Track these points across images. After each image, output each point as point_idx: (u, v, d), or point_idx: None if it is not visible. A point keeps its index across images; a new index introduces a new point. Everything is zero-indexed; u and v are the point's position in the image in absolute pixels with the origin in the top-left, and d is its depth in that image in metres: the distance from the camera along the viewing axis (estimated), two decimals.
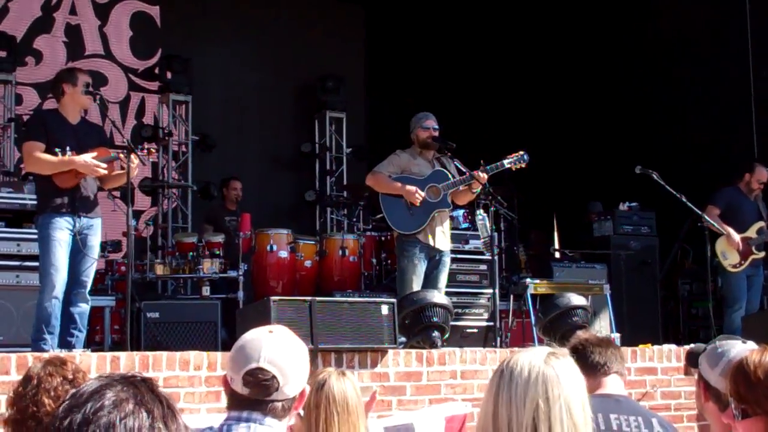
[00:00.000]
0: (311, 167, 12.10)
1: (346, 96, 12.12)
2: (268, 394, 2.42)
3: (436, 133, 7.15)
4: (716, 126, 11.04)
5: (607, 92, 12.58)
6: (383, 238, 9.20)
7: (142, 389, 1.56)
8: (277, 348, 2.46)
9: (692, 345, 3.32)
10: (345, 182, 11.86)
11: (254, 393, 2.42)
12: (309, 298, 5.74)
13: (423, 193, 6.86)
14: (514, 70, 12.84)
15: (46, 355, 3.97)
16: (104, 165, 5.94)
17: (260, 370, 2.42)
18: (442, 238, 7.01)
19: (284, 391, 2.44)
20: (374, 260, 9.12)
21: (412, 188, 6.86)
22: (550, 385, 1.99)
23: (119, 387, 1.54)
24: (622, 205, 9.99)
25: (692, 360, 2.94)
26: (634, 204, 10.01)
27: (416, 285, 6.79)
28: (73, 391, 1.58)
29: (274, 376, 2.42)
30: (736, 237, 8.25)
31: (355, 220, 9.85)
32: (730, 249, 8.31)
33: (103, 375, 1.61)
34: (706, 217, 8.00)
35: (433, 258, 6.96)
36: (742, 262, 8.31)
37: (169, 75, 11.05)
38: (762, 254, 8.44)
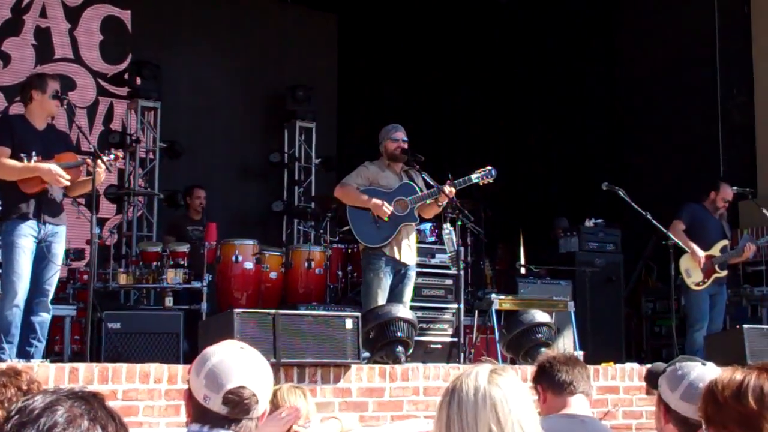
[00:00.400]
0: (279, 177, 12.05)
1: (316, 106, 12.10)
2: (247, 412, 2.40)
3: (405, 146, 7.15)
4: (683, 145, 11.15)
5: (575, 109, 12.69)
6: (350, 251, 9.17)
7: (95, 405, 1.53)
8: (256, 366, 2.45)
9: (651, 365, 3.32)
10: (313, 193, 11.82)
11: (234, 412, 2.39)
12: (272, 310, 5.70)
13: (390, 208, 6.86)
14: (486, 83, 12.91)
15: (2, 365, 3.90)
16: (67, 177, 5.88)
17: (243, 389, 2.39)
18: (408, 251, 7.01)
19: (258, 409, 2.42)
20: (340, 273, 9.08)
21: (380, 202, 6.86)
22: (500, 406, 1.98)
23: (71, 402, 1.51)
24: (588, 221, 10.03)
25: (652, 380, 2.94)
26: (599, 220, 10.06)
27: (381, 299, 6.78)
28: (20, 405, 1.53)
29: (254, 394, 2.40)
30: (701, 253, 8.29)
31: (322, 231, 9.82)
32: (694, 266, 8.35)
33: (49, 390, 1.57)
34: (671, 234, 8.04)
35: (399, 272, 6.95)
36: (705, 280, 8.36)
37: (138, 81, 10.97)
38: (725, 273, 8.49)
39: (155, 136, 11.01)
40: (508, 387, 2.02)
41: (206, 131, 11.67)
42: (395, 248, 6.92)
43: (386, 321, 6.24)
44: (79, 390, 1.56)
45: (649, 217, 7.89)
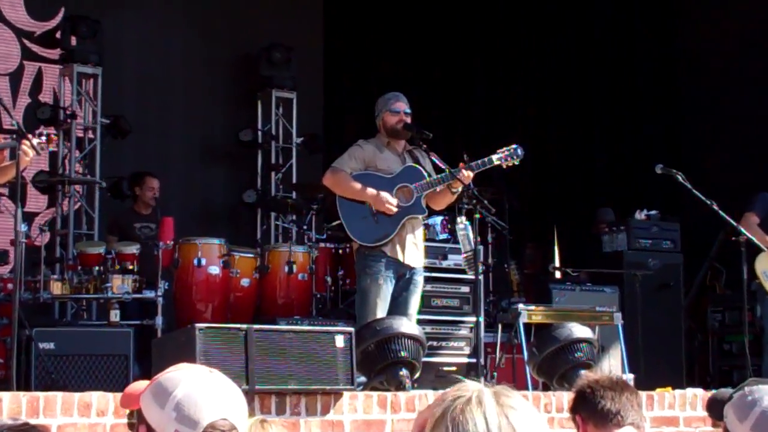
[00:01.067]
0: (252, 160, 12.05)
1: (297, 71, 12.08)
2: None
3: (408, 119, 7.16)
4: (755, 124, 11.17)
5: (623, 78, 12.72)
6: (341, 251, 9.18)
7: None
8: (231, 393, 2.51)
9: (716, 391, 3.35)
10: (294, 180, 11.82)
11: None
12: (245, 325, 5.73)
13: (395, 201, 6.87)
14: (509, 45, 12.90)
15: None
16: None
17: (224, 422, 2.45)
18: (413, 251, 7.02)
19: None
20: (329, 279, 9.10)
21: (383, 195, 6.84)
22: None
23: None
24: (638, 213, 10.05)
25: (715, 410, 2.96)
26: (653, 212, 10.09)
27: (381, 310, 6.79)
28: None
29: (234, 427, 2.46)
30: None
31: (305, 228, 9.83)
32: None
33: None
34: (742, 228, 8.06)
35: (403, 276, 6.97)
36: None
37: (73, 41, 10.96)
38: None
39: (95, 109, 11.01)
40: (527, 416, 2.00)
41: (159, 104, 11.66)
42: (398, 247, 6.94)
43: (387, 338, 6.26)
44: (20, 423, 1.59)
45: (716, 207, 7.90)
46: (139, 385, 2.60)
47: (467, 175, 6.89)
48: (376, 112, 7.25)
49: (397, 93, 7.31)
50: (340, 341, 5.85)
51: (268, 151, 12.09)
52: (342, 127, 11.95)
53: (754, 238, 8.13)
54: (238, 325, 5.81)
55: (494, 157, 7.07)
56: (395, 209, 6.84)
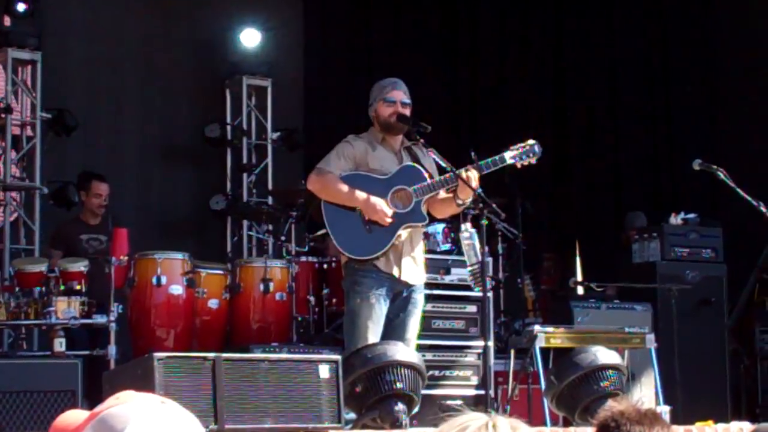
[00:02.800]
0: (220, 160, 12.07)
1: (272, 54, 12.11)
2: None
3: (407, 111, 7.13)
4: None
5: (654, 66, 12.76)
6: (325, 266, 9.19)
7: None
8: (188, 425, 2.46)
9: (759, 425, 3.35)
10: (270, 183, 11.84)
11: None
12: (212, 354, 5.72)
13: (392, 210, 6.84)
14: (516, 22, 12.93)
15: None
16: None
17: None
18: (412, 266, 7.01)
19: None
20: (312, 298, 9.11)
21: (377, 202, 6.83)
22: None
23: None
24: (674, 217, 10.07)
25: None
26: (691, 215, 10.11)
27: (372, 335, 6.78)
28: None
29: None
30: None
31: (284, 239, 9.85)
32: None
33: None
34: None
35: (399, 295, 6.96)
36: None
37: (7, 21, 10.96)
38: None
39: (34, 102, 11.02)
40: None
41: (110, 95, 11.68)
42: (393, 261, 6.93)
43: (380, 367, 6.25)
44: None
45: (764, 209, 7.91)
46: (72, 418, 2.56)
47: (474, 176, 6.84)
48: (369, 101, 7.22)
49: (396, 79, 7.26)
50: (324, 371, 5.84)
51: (238, 149, 12.12)
52: (326, 121, 11.96)
53: None
54: (204, 354, 5.80)
55: (507, 155, 7.03)
56: (389, 219, 6.82)
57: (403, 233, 6.94)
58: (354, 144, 7.09)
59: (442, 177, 6.97)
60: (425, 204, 7.03)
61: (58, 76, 11.21)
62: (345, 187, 6.89)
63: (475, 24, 12.91)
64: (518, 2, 12.90)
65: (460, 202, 6.89)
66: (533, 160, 7.07)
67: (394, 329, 6.91)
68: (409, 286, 7.01)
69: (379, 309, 6.88)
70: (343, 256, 7.04)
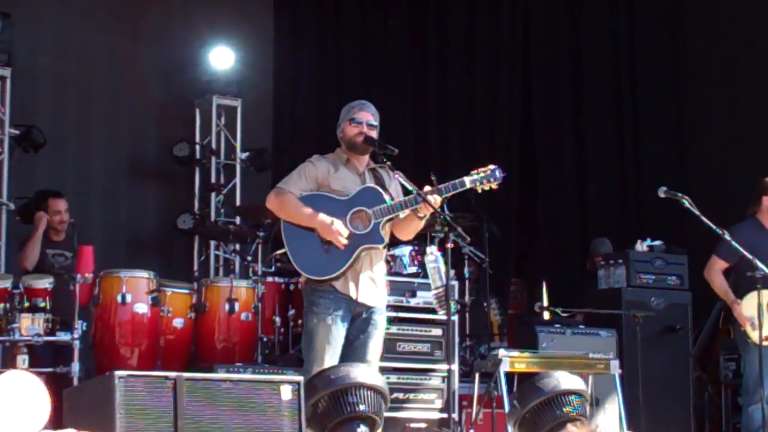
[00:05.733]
0: (188, 179, 12.06)
1: (243, 75, 12.12)
2: None
3: (373, 132, 7.13)
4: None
5: (622, 90, 12.79)
6: (291, 287, 9.20)
7: None
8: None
9: None
10: (238, 202, 11.83)
11: None
12: (174, 373, 5.71)
13: (346, 230, 6.83)
14: (486, 49, 12.97)
15: None
16: None
17: None
18: (370, 287, 6.97)
19: None
20: (277, 319, 9.12)
21: (328, 220, 6.81)
22: None
23: None
24: (640, 244, 10.09)
25: None
26: (657, 243, 10.13)
27: (329, 356, 6.74)
28: None
29: None
30: None
31: (250, 259, 9.84)
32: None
33: None
34: (758, 262, 8.12)
35: (359, 316, 6.93)
36: None
37: None
38: None
39: (2, 118, 10.98)
40: None
41: (79, 112, 11.66)
42: (351, 283, 6.89)
43: (342, 388, 6.24)
44: None
45: (728, 237, 7.96)
46: None
47: (435, 199, 6.84)
48: (338, 122, 7.23)
49: (364, 101, 7.24)
50: (286, 392, 5.83)
51: (207, 168, 12.11)
52: (294, 142, 11.99)
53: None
54: (165, 373, 5.75)
55: (467, 179, 7.00)
56: (345, 241, 6.80)
57: (362, 255, 6.94)
58: (316, 164, 7.08)
59: (402, 199, 6.95)
60: (389, 226, 7.03)
61: (27, 93, 11.19)
62: (302, 207, 6.86)
63: (444, 49, 12.95)
64: (488, 37, 12.95)
65: (421, 215, 6.89)
66: (494, 185, 7.04)
67: (354, 351, 6.89)
68: (368, 308, 6.99)
69: (336, 330, 6.85)
70: (302, 275, 7.03)
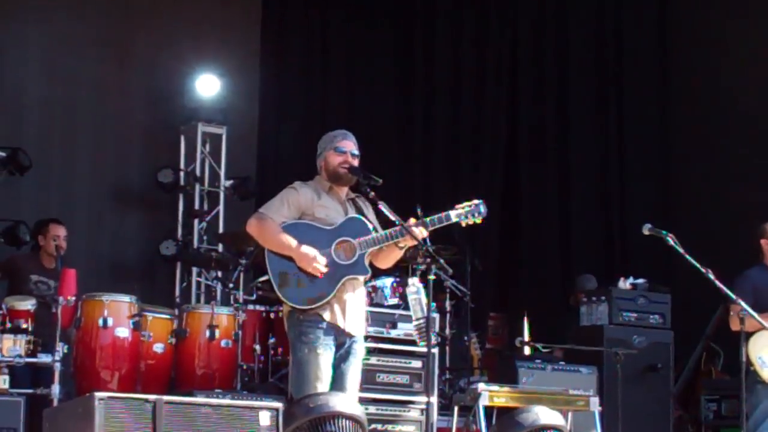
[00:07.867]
0: (172, 206, 12.09)
1: (228, 102, 12.15)
2: None
3: (356, 162, 7.16)
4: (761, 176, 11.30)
5: (607, 121, 12.84)
6: (272, 315, 9.22)
7: None
8: None
9: None
10: (221, 229, 11.86)
11: None
12: (153, 396, 5.74)
13: (324, 260, 6.84)
14: (471, 79, 13.04)
15: None
16: None
17: None
18: (356, 317, 6.99)
19: None
20: (258, 347, 9.14)
21: (309, 252, 6.82)
22: None
23: None
24: (622, 281, 10.13)
25: None
26: (640, 281, 10.16)
27: (322, 385, 6.70)
28: None
29: None
30: None
31: (232, 286, 9.86)
32: None
33: None
34: (743, 303, 8.16)
35: (342, 345, 6.95)
36: None
37: None
38: None
39: None
40: None
41: (65, 136, 11.69)
42: (338, 312, 6.89)
43: (321, 417, 6.24)
44: None
45: (711, 276, 7.99)
46: None
47: (421, 231, 6.88)
48: (318, 151, 7.24)
49: (345, 131, 7.26)
50: (265, 419, 5.86)
51: (191, 195, 12.14)
52: (278, 170, 12.01)
53: (756, 315, 8.22)
54: (145, 396, 5.78)
55: (452, 213, 7.03)
56: (324, 269, 6.81)
57: (347, 285, 6.98)
58: (300, 191, 7.05)
59: (387, 231, 6.95)
60: (368, 256, 7.06)
61: (13, 116, 11.23)
62: (281, 235, 6.83)
63: (430, 79, 13.02)
64: (474, 66, 13.02)
65: (401, 245, 6.93)
66: (479, 220, 7.07)
67: (335, 380, 6.88)
68: (351, 337, 7.02)
69: (326, 359, 6.85)
70: (285, 305, 7.02)
